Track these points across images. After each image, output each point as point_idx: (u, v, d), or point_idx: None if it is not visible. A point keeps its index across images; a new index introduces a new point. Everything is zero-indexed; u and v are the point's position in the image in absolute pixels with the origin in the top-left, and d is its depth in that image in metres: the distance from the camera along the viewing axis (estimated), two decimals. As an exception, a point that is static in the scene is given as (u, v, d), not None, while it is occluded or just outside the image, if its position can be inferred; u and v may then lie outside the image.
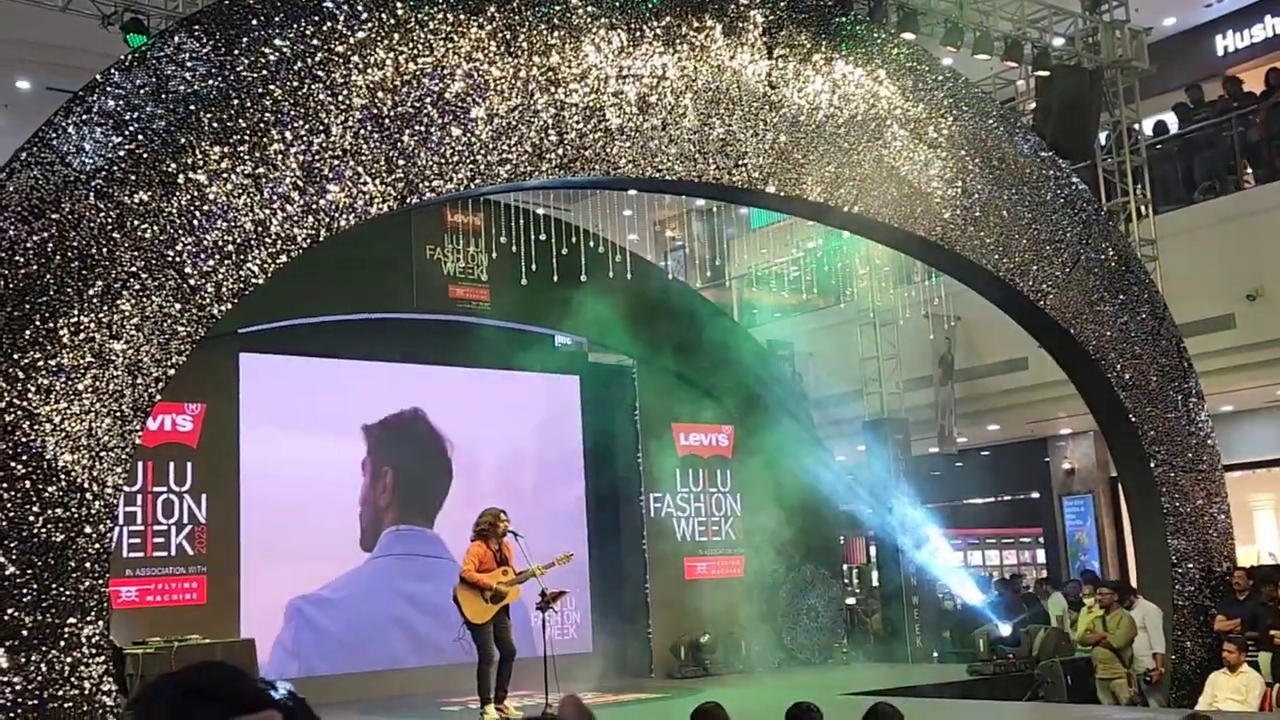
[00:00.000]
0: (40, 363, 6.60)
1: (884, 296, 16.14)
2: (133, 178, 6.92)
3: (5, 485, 6.46)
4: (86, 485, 6.68)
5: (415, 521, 13.33)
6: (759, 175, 9.43)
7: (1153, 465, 11.22)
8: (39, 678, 6.44)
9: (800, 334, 17.46)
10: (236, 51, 7.31)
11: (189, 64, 7.17)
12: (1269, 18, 16.71)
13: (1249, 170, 13.92)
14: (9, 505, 6.47)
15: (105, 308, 6.79)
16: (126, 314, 6.85)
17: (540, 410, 14.34)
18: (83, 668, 6.56)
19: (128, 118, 6.97)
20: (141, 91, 7.04)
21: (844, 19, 10.14)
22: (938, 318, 15.54)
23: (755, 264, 19.00)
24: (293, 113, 7.40)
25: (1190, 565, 11.24)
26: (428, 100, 7.88)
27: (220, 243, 7.15)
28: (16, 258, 6.62)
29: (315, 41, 7.55)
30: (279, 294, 11.49)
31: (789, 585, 14.87)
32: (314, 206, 7.44)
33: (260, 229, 7.26)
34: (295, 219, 7.38)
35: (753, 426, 15.20)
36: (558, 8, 8.55)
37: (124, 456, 6.83)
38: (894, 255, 14.63)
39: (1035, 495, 18.99)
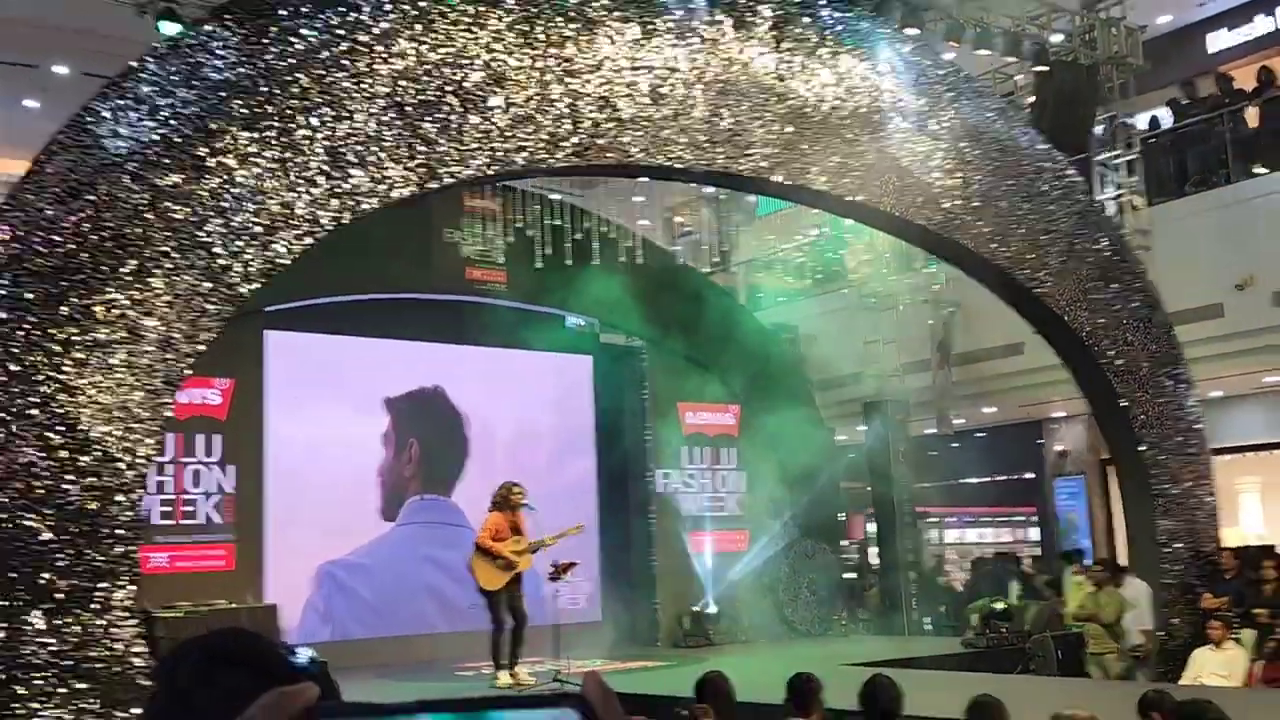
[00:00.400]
0: (76, 338, 6.63)
1: (885, 282, 16.08)
2: (165, 161, 6.94)
3: (43, 454, 6.49)
4: (119, 455, 6.71)
5: (437, 492, 13.39)
6: (766, 164, 9.42)
7: (1143, 448, 11.19)
8: (73, 639, 6.49)
9: (804, 317, 17.42)
10: (265, 40, 7.31)
11: (220, 52, 7.18)
12: (1260, 17, 16.57)
13: (1239, 164, 13.82)
14: (46, 474, 6.50)
15: (138, 286, 6.81)
16: (158, 292, 6.87)
17: (553, 388, 14.37)
18: (115, 629, 6.61)
19: (161, 103, 6.98)
20: (174, 78, 7.04)
21: (850, 14, 10.09)
22: (937, 303, 15.48)
23: (761, 250, 18.97)
24: (319, 100, 7.40)
25: (1178, 545, 11.22)
26: (448, 89, 7.87)
27: (249, 224, 7.16)
28: (54, 237, 6.64)
29: (341, 31, 7.54)
30: (304, 274, 11.48)
31: (790, 559, 14.91)
32: (339, 190, 7.45)
33: (287, 211, 7.27)
34: (321, 202, 7.39)
35: (758, 406, 15.24)
36: (573, 0, 8.52)
37: (155, 428, 6.86)
38: (895, 242, 14.60)
39: (1029, 475, 18.96)
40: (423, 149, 7.74)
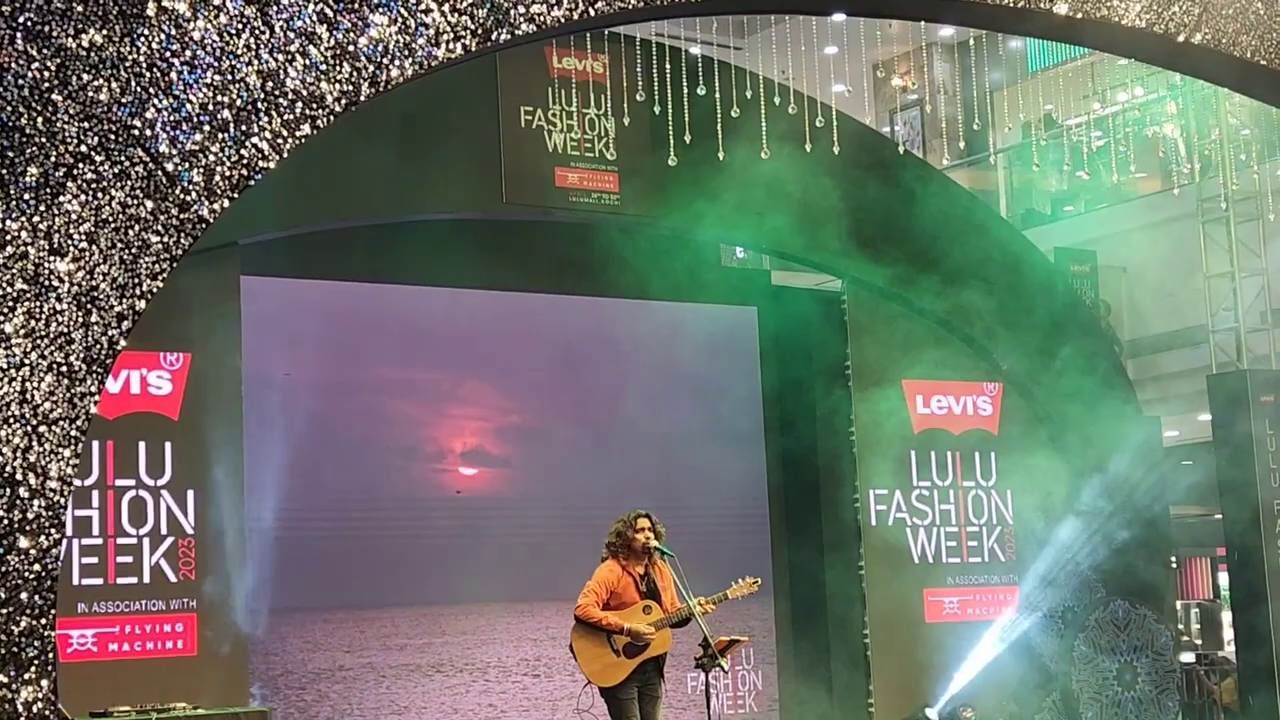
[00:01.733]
0: (-57, 293, 6.68)
1: (1243, 177, 15.62)
2: (78, 9, 6.95)
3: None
4: (20, 478, 6.77)
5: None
6: (1044, -16, 9.17)
7: None
8: (-48, 768, 6.57)
9: (1108, 238, 17.19)
10: None
11: None
12: None
13: None
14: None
15: (42, 208, 6.84)
16: (74, 217, 6.90)
17: (697, 359, 14.36)
18: (17, 752, 6.67)
19: (67, -83, 6.99)
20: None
21: None
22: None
23: (1035, 128, 18.58)
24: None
25: None
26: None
27: (211, 107, 7.15)
28: (-95, 135, 6.69)
29: None
30: (300, 189, 11.58)
31: (1089, 633, 14.70)
32: (350, 49, 7.40)
33: (270, 85, 7.25)
34: (322, 69, 7.35)
35: (1032, 386, 15.12)
36: None
37: (73, 434, 6.90)
38: (1258, 111, 14.07)
39: None
40: (484, -22, 7.65)
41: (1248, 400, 15.02)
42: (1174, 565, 17.12)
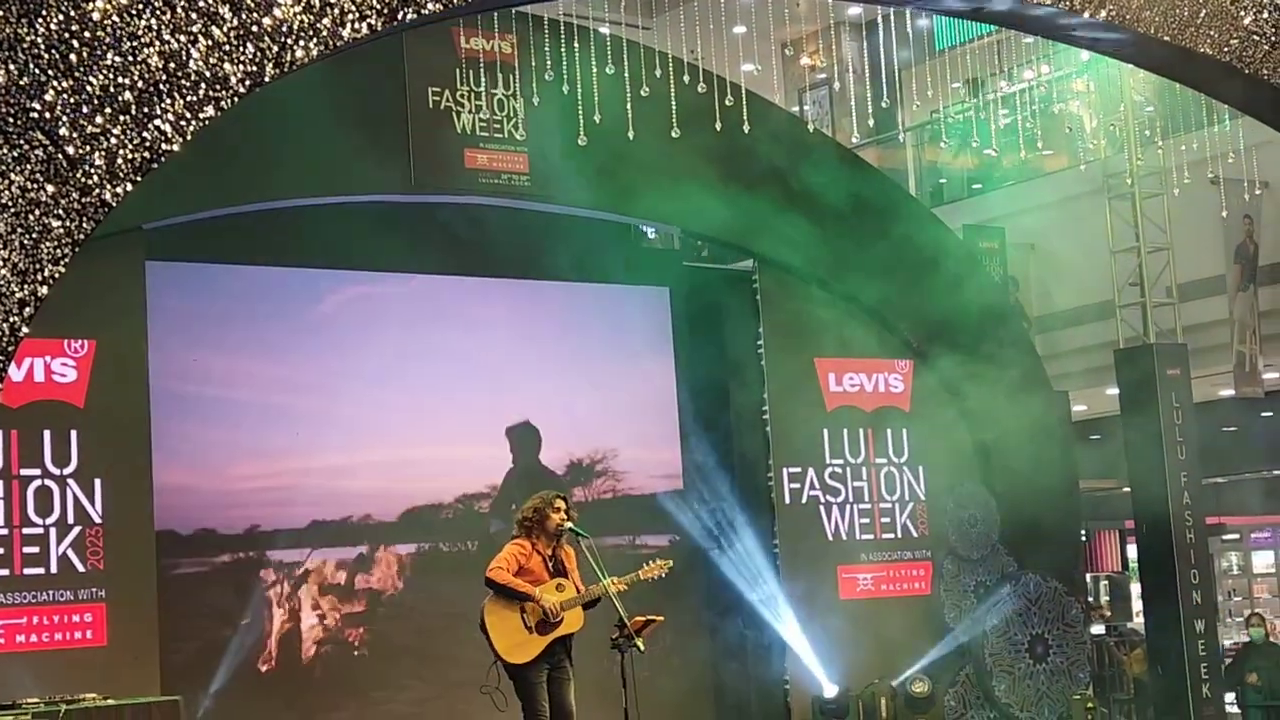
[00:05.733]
0: None
1: (1148, 153, 15.78)
2: (-29, -13, 6.85)
3: None
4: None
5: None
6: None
7: None
8: None
9: (1015, 215, 17.32)
10: None
11: None
12: None
13: None
14: None
15: (-65, 194, 6.75)
16: (-31, 203, 6.81)
17: (610, 341, 14.37)
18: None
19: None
20: None
21: None
22: (1232, 184, 15.16)
23: (943, 106, 18.69)
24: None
25: None
26: None
27: (112, 89, 7.08)
28: None
29: None
30: (206, 172, 11.48)
31: (1001, 606, 14.84)
32: (254, 30, 7.34)
33: (173, 65, 7.18)
34: (226, 49, 7.29)
35: (942, 362, 15.19)
36: None
37: (-26, 424, 6.83)
38: (1163, 88, 14.21)
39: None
40: (388, -43, 7.60)
41: (1154, 374, 15.19)
42: (1082, 539, 17.29)
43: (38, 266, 6.98)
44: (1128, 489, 15.84)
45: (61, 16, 7.04)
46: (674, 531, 14.51)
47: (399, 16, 7.70)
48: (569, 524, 9.96)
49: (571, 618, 9.83)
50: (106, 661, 11.46)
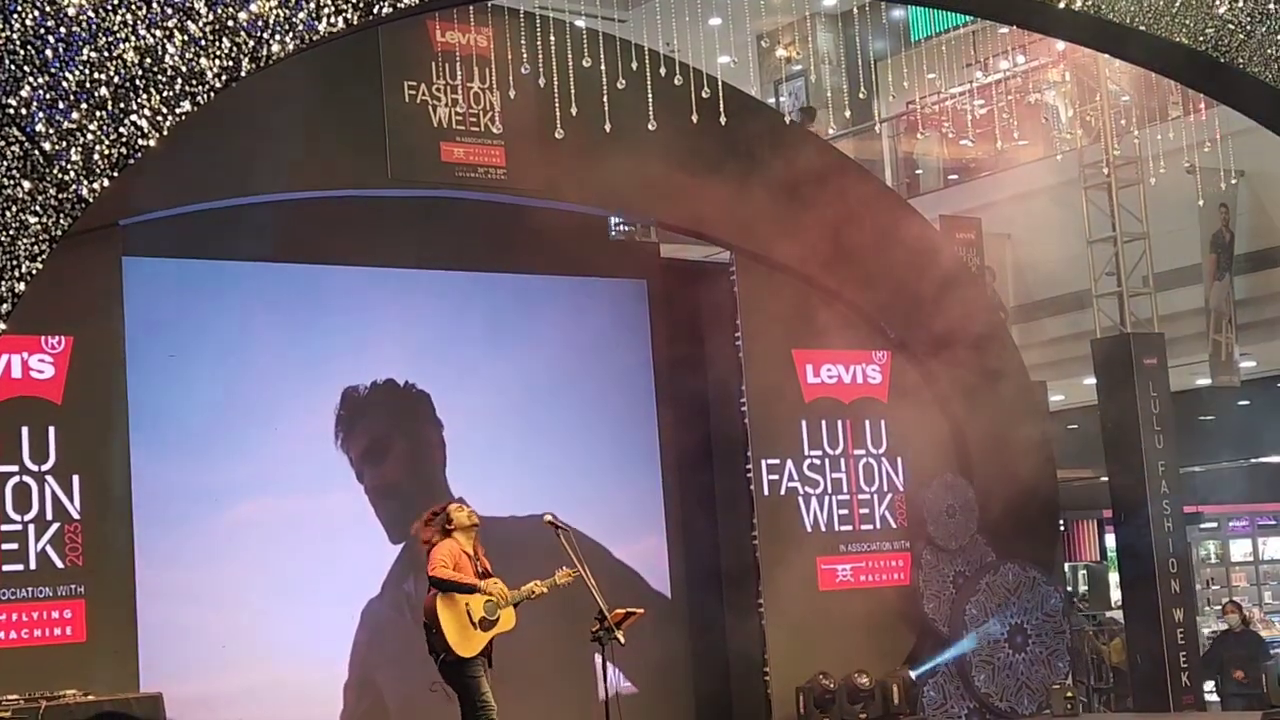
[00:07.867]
0: None
1: (1124, 142, 15.82)
2: (-59, -19, 6.84)
3: None
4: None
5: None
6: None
7: None
8: None
9: (992, 206, 17.33)
10: None
11: None
12: None
13: None
14: None
15: (-91, 191, 6.74)
16: (-57, 200, 6.81)
17: (587, 333, 14.35)
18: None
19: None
20: None
21: None
22: (1208, 173, 15.20)
23: (919, 97, 18.71)
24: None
25: None
26: None
27: (88, 84, 7.07)
28: None
29: None
30: (182, 167, 11.46)
31: (979, 596, 14.88)
32: (229, 24, 7.33)
33: (149, 60, 7.17)
34: (201, 44, 7.29)
35: (920, 353, 15.20)
36: None
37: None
38: (1140, 78, 14.21)
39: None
40: (364, -50, 7.60)
41: (1131, 364, 15.25)
42: (1060, 528, 17.34)
43: (15, 263, 6.98)
44: (1105, 478, 15.88)
45: (37, 12, 7.03)
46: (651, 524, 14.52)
47: (374, 11, 7.70)
48: (549, 516, 10.16)
49: (506, 616, 10.04)
50: (86, 658, 11.44)
